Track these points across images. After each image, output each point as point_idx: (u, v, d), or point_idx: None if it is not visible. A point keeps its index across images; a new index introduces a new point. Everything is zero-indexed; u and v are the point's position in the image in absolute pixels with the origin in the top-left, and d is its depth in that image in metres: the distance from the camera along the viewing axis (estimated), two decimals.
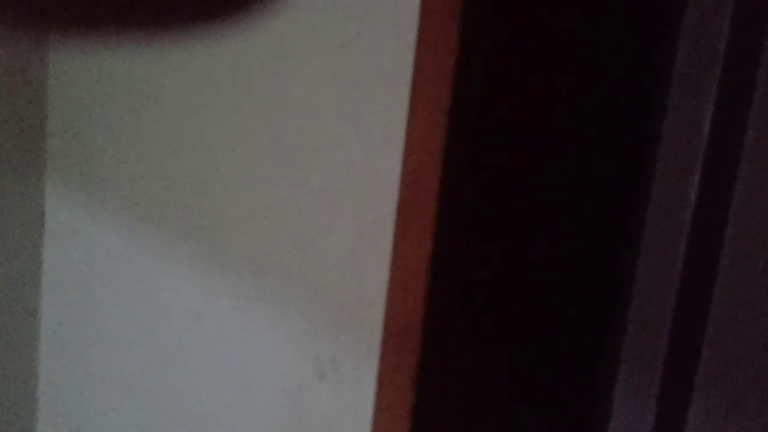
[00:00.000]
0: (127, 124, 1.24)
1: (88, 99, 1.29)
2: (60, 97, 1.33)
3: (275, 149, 1.05)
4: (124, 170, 1.25)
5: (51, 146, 1.35)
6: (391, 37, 0.93)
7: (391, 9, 0.93)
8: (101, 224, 1.30)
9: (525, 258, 0.97)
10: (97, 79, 1.27)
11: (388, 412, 0.94)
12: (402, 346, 0.93)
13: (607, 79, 0.96)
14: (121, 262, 1.28)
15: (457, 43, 0.85)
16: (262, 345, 1.10)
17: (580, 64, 0.94)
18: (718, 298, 0.94)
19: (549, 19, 0.91)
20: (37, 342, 1.43)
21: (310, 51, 1.00)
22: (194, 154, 1.15)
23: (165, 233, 1.21)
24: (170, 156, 1.19)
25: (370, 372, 0.98)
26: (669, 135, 0.95)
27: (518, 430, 1.02)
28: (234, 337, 1.13)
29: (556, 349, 1.02)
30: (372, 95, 0.96)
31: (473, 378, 0.97)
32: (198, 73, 1.14)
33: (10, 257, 1.39)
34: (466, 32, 0.85)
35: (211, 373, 1.17)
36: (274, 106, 1.05)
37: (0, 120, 1.34)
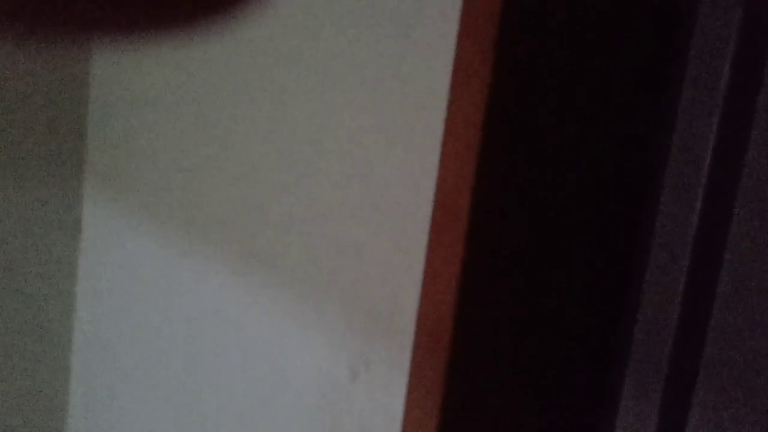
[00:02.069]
0: (168, 132, 1.25)
1: (128, 109, 1.30)
2: (100, 107, 1.33)
3: (317, 161, 1.09)
4: (162, 179, 1.27)
5: (90, 155, 1.35)
6: (429, 57, 0.97)
7: (429, 31, 0.97)
8: (138, 232, 1.31)
9: (546, 269, 1.02)
10: (138, 89, 1.28)
11: (419, 412, 0.99)
12: (432, 350, 0.97)
13: (622, 94, 1.02)
14: (157, 270, 1.29)
15: (492, 67, 0.90)
16: (297, 346, 1.13)
17: (598, 82, 1.00)
18: (720, 308, 0.96)
19: (573, 44, 0.96)
20: (71, 348, 1.42)
21: (352, 70, 1.04)
22: (234, 164, 1.18)
23: (202, 241, 1.22)
24: (209, 165, 1.21)
25: (402, 374, 1.02)
26: (676, 150, 0.97)
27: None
28: (269, 339, 1.16)
29: (569, 356, 1.06)
30: (410, 114, 1.00)
31: (498, 380, 1.02)
32: (240, 84, 1.16)
33: (47, 264, 1.39)
34: (500, 56, 0.90)
35: (245, 374, 1.20)
36: (319, 121, 1.08)
37: (40, 128, 1.34)
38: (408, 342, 1.00)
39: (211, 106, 1.20)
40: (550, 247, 1.02)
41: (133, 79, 1.29)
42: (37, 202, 1.37)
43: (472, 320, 0.97)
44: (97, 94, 1.33)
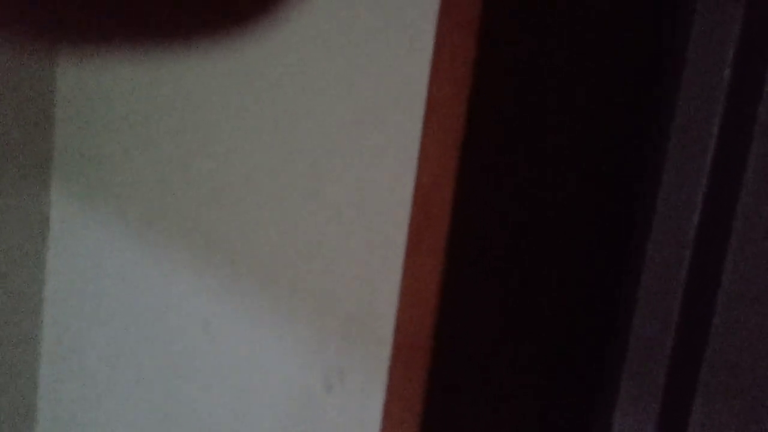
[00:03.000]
0: (135, 132, 1.24)
1: (96, 107, 1.29)
2: (67, 105, 1.33)
3: (289, 162, 1.06)
4: (131, 178, 1.25)
5: (57, 152, 1.35)
6: (407, 57, 0.93)
7: (407, 30, 0.93)
8: (107, 231, 1.30)
9: (533, 275, 0.98)
10: (105, 87, 1.27)
11: (396, 425, 0.95)
12: (411, 360, 0.93)
13: (616, 96, 0.97)
14: (126, 270, 1.27)
15: (472, 64, 0.86)
16: (270, 355, 1.10)
17: (592, 80, 0.95)
18: (721, 308, 0.94)
19: (562, 37, 0.92)
20: (39, 348, 1.42)
21: (327, 68, 1.01)
22: (205, 164, 1.15)
23: (173, 242, 1.20)
24: (179, 165, 1.19)
25: (379, 385, 0.98)
26: (675, 153, 0.95)
27: None
28: (242, 347, 1.13)
29: (561, 367, 1.02)
30: (387, 113, 0.96)
31: (481, 392, 0.98)
32: (209, 82, 1.13)
33: (14, 262, 1.39)
34: (481, 53, 0.85)
35: (218, 382, 1.17)
36: (287, 120, 1.05)
37: (7, 126, 1.34)
38: (386, 352, 0.96)
39: (178, 104, 1.18)
40: (537, 249, 0.98)
41: (100, 78, 1.29)
42: (4, 200, 1.37)
43: (454, 329, 0.92)
44: (64, 92, 1.34)
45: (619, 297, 1.00)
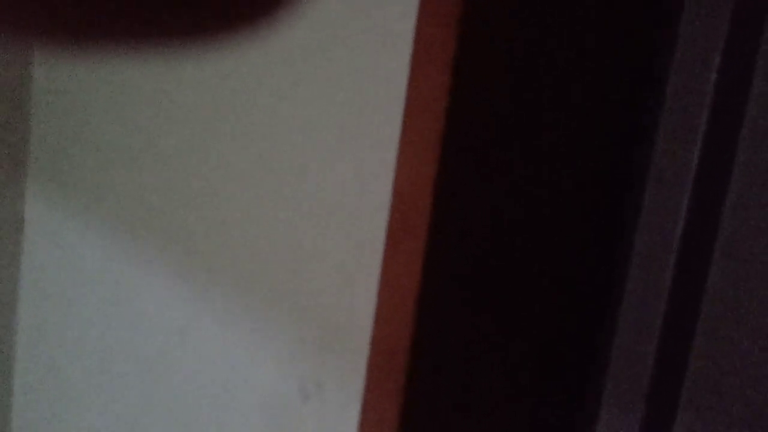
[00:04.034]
0: (112, 132, 1.22)
1: (72, 106, 1.27)
2: (43, 104, 1.31)
3: (265, 166, 1.04)
4: (108, 179, 1.23)
5: (33, 153, 1.33)
6: (385, 59, 0.91)
7: (386, 32, 0.91)
8: (83, 234, 1.28)
9: (515, 283, 0.96)
10: (82, 86, 1.25)
11: None
12: (388, 370, 0.91)
13: (603, 99, 0.95)
14: (102, 274, 1.26)
15: (451, 67, 0.83)
16: (246, 364, 1.08)
17: (576, 86, 0.93)
18: (705, 318, 0.94)
19: (546, 37, 0.89)
20: (13, 354, 1.41)
21: (304, 71, 0.99)
22: (181, 166, 1.13)
23: (149, 245, 1.18)
24: (155, 167, 1.17)
25: (355, 395, 0.96)
26: (660, 156, 0.94)
27: None
28: (217, 355, 1.11)
29: (543, 378, 1.00)
30: (365, 117, 0.94)
31: (459, 403, 0.96)
32: (188, 85, 1.12)
33: None
34: (461, 56, 0.83)
35: (192, 390, 1.15)
36: (264, 123, 1.03)
37: None
38: (363, 362, 0.94)
39: (155, 105, 1.16)
40: (520, 254, 0.95)
41: (77, 77, 1.27)
42: None
43: (432, 339, 0.90)
44: (40, 91, 1.32)
45: (603, 304, 0.99)
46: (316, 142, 0.98)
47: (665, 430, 0.96)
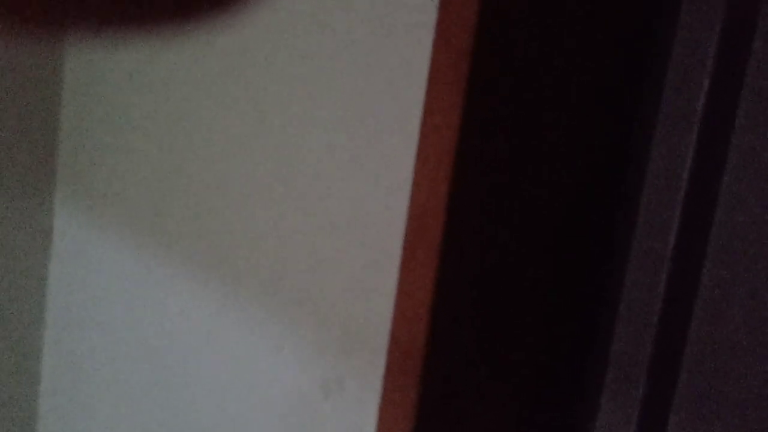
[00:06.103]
0: (139, 143, 1.24)
1: (101, 117, 1.28)
2: (73, 114, 1.32)
3: (290, 180, 1.07)
4: (134, 188, 1.25)
5: (61, 163, 1.34)
6: (404, 68, 0.95)
7: (404, 40, 0.95)
8: (109, 242, 1.29)
9: (519, 289, 1.00)
10: (111, 98, 1.27)
11: (391, 431, 0.97)
12: (405, 370, 0.95)
13: (603, 101, 1.00)
14: (128, 281, 1.27)
15: (467, 82, 0.88)
16: (270, 364, 1.11)
17: (576, 87, 0.98)
18: (699, 321, 0.95)
19: (550, 54, 0.94)
20: (41, 360, 1.41)
21: (330, 91, 1.03)
22: (207, 177, 1.16)
23: (174, 252, 1.21)
24: (182, 177, 1.19)
25: (374, 392, 1.00)
26: (655, 163, 0.96)
27: None
28: (242, 356, 1.14)
29: (549, 374, 1.05)
30: (384, 134, 0.98)
31: (471, 400, 1.00)
32: (214, 95, 1.14)
33: (16, 274, 1.36)
34: (475, 71, 0.88)
35: (217, 390, 1.18)
36: (292, 133, 1.07)
37: (11, 135, 1.32)
38: (382, 360, 0.99)
39: (185, 116, 1.18)
40: (523, 261, 1.00)
41: (107, 88, 1.28)
42: (7, 210, 1.35)
43: (447, 338, 0.95)
44: (69, 100, 1.32)
45: (600, 307, 1.02)
46: (338, 158, 1.03)
47: (660, 430, 0.98)
